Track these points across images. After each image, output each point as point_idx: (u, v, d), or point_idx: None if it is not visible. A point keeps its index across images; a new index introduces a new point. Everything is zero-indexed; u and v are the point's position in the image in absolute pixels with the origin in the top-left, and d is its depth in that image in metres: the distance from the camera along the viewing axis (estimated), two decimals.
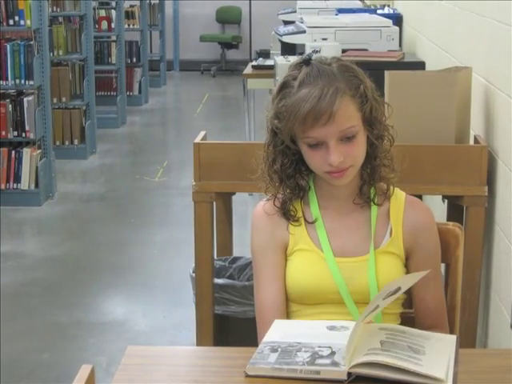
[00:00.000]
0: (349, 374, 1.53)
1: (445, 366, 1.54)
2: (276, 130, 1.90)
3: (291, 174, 1.94)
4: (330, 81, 1.83)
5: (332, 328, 1.68)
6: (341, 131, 1.83)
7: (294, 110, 1.82)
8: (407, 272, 1.96)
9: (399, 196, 1.98)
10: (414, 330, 1.70)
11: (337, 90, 1.82)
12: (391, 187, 1.96)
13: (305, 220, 1.95)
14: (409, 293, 1.98)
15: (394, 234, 1.94)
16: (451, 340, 1.67)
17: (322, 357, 1.55)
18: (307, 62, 1.89)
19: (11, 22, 5.85)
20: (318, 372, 1.53)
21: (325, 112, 1.80)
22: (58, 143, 7.03)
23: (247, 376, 1.57)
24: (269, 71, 5.24)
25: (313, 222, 1.94)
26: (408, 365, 1.51)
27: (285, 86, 1.89)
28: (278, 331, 1.70)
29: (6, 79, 5.82)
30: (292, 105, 1.83)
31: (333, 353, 1.56)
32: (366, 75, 1.91)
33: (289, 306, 1.95)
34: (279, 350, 1.60)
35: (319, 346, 1.59)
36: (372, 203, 1.94)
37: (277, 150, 1.92)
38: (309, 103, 1.81)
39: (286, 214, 1.95)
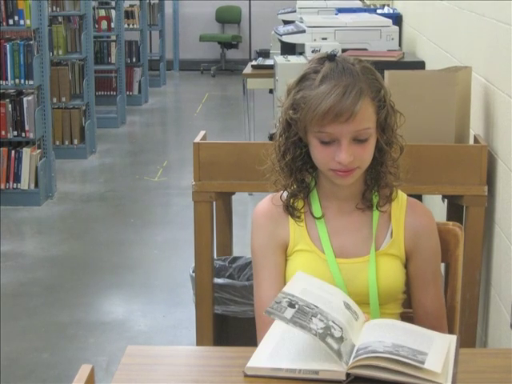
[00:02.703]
0: (347, 374, 1.53)
1: (444, 367, 1.54)
2: (290, 121, 1.88)
3: (300, 168, 1.93)
4: (354, 80, 1.81)
5: (348, 307, 1.68)
6: (356, 131, 1.81)
7: (315, 103, 1.80)
8: (407, 274, 1.95)
9: (400, 198, 1.97)
10: (415, 326, 1.70)
11: (360, 90, 1.80)
12: (394, 192, 1.95)
13: (308, 216, 1.94)
14: (408, 293, 1.98)
15: (394, 235, 1.93)
16: (452, 340, 1.67)
17: (332, 336, 1.55)
18: (332, 57, 1.87)
19: (11, 21, 5.85)
20: (316, 372, 1.54)
21: (347, 110, 1.78)
22: (57, 143, 7.03)
23: (246, 376, 1.58)
24: (268, 71, 5.23)
25: (316, 218, 1.93)
26: (407, 368, 1.51)
27: (305, 78, 1.86)
28: (298, 285, 1.69)
29: (6, 79, 5.82)
30: (313, 98, 1.81)
31: (342, 338, 1.56)
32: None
33: None
34: (297, 306, 1.59)
35: (333, 322, 1.58)
36: (374, 209, 1.94)
37: (289, 141, 1.91)
38: (332, 99, 1.78)
39: (291, 208, 1.94)
